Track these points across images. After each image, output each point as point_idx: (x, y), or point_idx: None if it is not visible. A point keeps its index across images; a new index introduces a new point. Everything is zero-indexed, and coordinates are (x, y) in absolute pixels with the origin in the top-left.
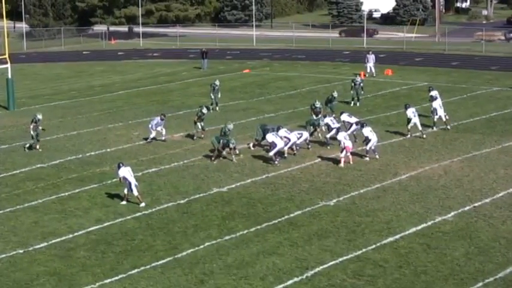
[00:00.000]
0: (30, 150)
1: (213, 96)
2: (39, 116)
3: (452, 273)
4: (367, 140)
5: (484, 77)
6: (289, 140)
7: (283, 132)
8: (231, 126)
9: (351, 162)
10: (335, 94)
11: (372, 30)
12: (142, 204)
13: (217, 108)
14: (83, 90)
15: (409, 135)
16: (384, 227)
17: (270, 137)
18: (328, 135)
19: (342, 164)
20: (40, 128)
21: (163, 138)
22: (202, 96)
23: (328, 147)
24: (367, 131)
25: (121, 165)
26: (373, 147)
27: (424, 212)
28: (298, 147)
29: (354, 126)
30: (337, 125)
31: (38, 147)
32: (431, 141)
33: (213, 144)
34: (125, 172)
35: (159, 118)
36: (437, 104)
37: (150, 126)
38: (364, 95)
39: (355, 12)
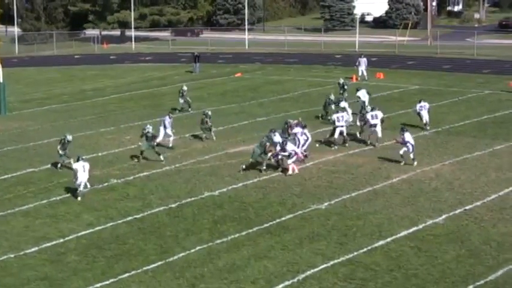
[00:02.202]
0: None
1: (181, 101)
2: (69, 137)
3: (443, 276)
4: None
5: (476, 80)
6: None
7: (290, 146)
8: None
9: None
10: (331, 97)
11: (198, 30)
12: (79, 198)
13: (189, 110)
14: (74, 94)
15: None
16: (375, 230)
17: (291, 146)
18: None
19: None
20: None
21: (170, 145)
22: (194, 100)
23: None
24: (409, 136)
25: (80, 158)
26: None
27: (415, 215)
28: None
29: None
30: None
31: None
32: (423, 144)
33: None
34: (79, 166)
35: (167, 117)
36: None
37: (167, 130)
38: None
39: (348, 15)
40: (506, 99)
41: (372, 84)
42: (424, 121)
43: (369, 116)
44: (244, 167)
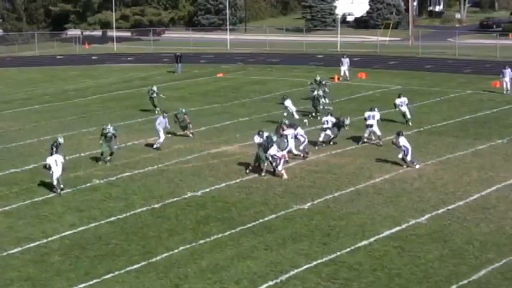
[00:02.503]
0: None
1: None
2: (61, 140)
3: (426, 276)
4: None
5: (457, 80)
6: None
7: (274, 150)
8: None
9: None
10: (320, 92)
11: (160, 30)
12: (59, 191)
13: (156, 111)
14: (56, 95)
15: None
16: (358, 230)
17: (273, 150)
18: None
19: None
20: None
21: (158, 145)
22: (176, 101)
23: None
24: (404, 140)
25: (53, 152)
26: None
27: (398, 215)
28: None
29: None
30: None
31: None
32: None
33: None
34: (51, 160)
35: (161, 117)
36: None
37: (156, 128)
38: (330, 99)
39: (329, 15)
40: (487, 99)
41: (354, 84)
42: (406, 118)
43: (366, 115)
44: (248, 170)
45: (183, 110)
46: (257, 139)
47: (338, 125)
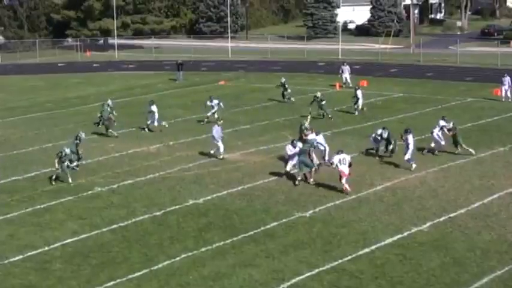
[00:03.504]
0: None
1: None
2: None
3: (428, 284)
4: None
5: (459, 87)
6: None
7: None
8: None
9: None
10: (318, 94)
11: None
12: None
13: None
14: (58, 102)
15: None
16: (359, 238)
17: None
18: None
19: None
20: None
21: (214, 152)
22: (178, 108)
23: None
24: (411, 138)
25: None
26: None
27: (399, 223)
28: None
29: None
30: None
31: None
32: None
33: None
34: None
35: (216, 125)
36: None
37: (214, 140)
38: (328, 108)
39: (330, 23)
40: (489, 107)
41: None
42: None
43: (379, 132)
44: (297, 182)
45: (109, 103)
46: (290, 150)
47: (388, 141)
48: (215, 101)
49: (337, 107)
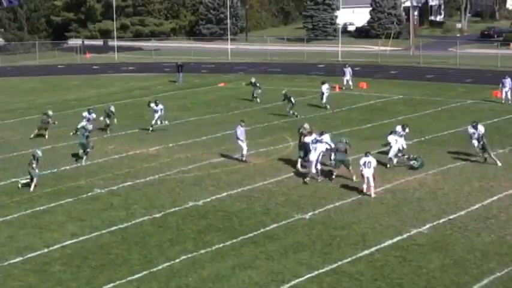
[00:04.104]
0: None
1: (108, 121)
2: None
3: (427, 286)
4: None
5: (458, 89)
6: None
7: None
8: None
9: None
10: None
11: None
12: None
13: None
14: (58, 104)
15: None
16: (359, 239)
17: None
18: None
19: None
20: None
21: (240, 155)
22: (178, 110)
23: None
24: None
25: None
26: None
27: (399, 225)
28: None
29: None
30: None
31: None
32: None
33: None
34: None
35: (239, 126)
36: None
37: (239, 141)
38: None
39: (330, 25)
40: (489, 109)
41: (355, 94)
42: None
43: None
44: (332, 179)
45: (49, 113)
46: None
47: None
48: (160, 106)
49: (336, 109)
